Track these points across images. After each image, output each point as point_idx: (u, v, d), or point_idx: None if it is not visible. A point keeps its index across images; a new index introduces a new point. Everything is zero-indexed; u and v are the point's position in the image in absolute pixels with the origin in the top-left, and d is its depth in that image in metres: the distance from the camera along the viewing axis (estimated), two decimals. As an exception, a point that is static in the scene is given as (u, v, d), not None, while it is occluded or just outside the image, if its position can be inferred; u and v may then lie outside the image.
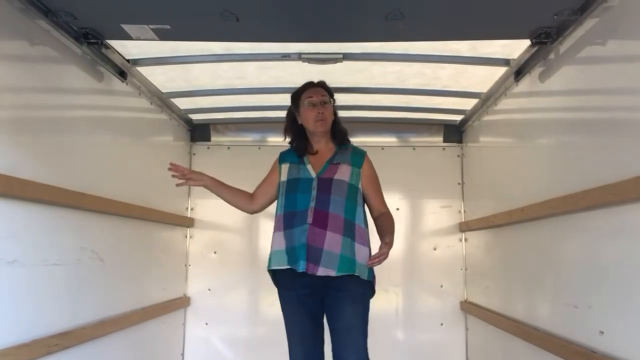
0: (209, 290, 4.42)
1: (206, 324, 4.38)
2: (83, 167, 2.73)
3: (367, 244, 2.60)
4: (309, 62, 3.11)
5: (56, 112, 2.55)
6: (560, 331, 2.50)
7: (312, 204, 2.57)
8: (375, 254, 2.48)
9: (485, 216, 3.71)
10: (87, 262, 2.73)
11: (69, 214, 2.56)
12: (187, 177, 2.75)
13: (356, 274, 2.52)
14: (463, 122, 4.34)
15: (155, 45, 2.96)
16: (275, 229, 2.69)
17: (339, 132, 2.77)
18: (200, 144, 4.57)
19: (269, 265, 2.69)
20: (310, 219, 2.55)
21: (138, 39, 2.68)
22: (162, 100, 3.81)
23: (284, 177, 2.73)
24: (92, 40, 2.68)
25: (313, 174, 2.66)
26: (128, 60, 3.13)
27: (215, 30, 2.68)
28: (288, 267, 2.59)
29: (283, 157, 2.82)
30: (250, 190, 2.90)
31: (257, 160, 4.49)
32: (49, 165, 2.40)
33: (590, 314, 2.23)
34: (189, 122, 4.44)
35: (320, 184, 2.61)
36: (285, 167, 2.75)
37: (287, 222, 2.62)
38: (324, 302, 2.60)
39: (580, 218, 2.33)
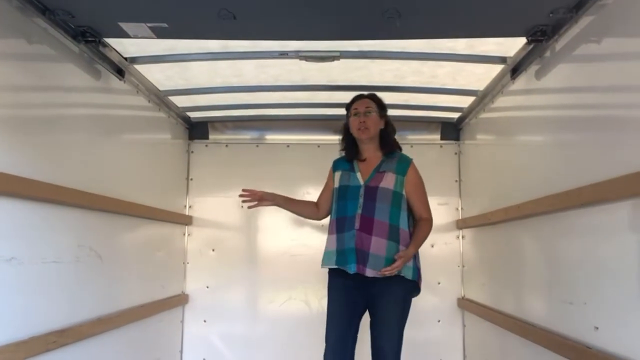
0: (207, 287, 4.43)
1: (204, 321, 4.40)
2: (81, 165, 2.73)
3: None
4: (306, 60, 3.12)
5: (54, 110, 2.55)
6: (556, 327, 2.52)
7: (359, 211, 2.81)
8: (388, 266, 2.71)
9: (482, 213, 3.72)
10: (85, 260, 2.73)
11: (67, 211, 2.57)
12: (261, 198, 3.03)
13: (401, 275, 2.76)
14: (460, 120, 4.35)
15: (153, 44, 2.97)
16: (329, 232, 2.93)
17: (386, 142, 2.98)
18: (198, 142, 4.58)
19: (322, 264, 2.92)
20: (357, 225, 2.79)
21: (136, 37, 2.69)
22: (160, 98, 3.82)
23: (336, 184, 2.98)
24: (89, 39, 2.68)
25: (361, 182, 2.89)
26: (126, 59, 3.13)
27: (212, 29, 2.68)
28: (336, 267, 2.83)
29: (336, 165, 3.07)
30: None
31: (255, 158, 4.54)
32: (46, 164, 2.41)
33: (585, 310, 2.25)
34: (187, 120, 4.45)
35: (367, 192, 2.84)
36: (337, 175, 3.00)
37: (338, 226, 2.87)
38: (368, 297, 2.81)
39: (576, 215, 2.35)
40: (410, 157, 3.00)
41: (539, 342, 2.65)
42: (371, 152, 2.97)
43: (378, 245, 2.75)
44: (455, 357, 4.29)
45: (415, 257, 2.86)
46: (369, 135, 2.92)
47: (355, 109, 2.96)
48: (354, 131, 2.95)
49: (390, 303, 2.79)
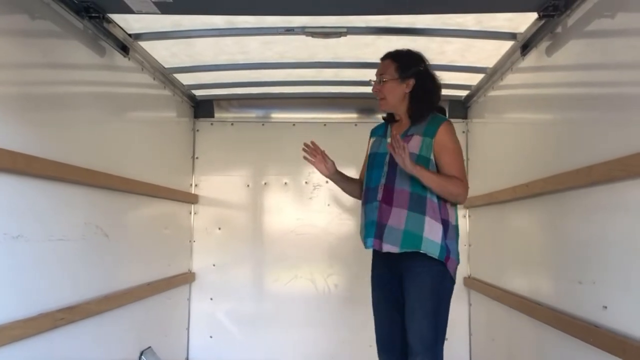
0: (214, 265, 4.45)
1: (211, 299, 4.42)
2: (86, 142, 2.72)
3: (440, 220, 2.46)
4: (312, 36, 3.07)
5: (59, 87, 2.53)
6: (564, 306, 2.51)
7: (383, 180, 2.54)
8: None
9: (489, 192, 3.70)
10: (92, 238, 2.74)
11: (73, 189, 2.56)
12: (323, 159, 2.71)
13: (422, 252, 2.43)
14: (468, 98, 4.30)
15: (158, 20, 2.93)
16: (361, 203, 2.68)
17: (414, 107, 2.58)
18: (203, 120, 4.56)
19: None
20: (380, 196, 2.52)
21: (139, 12, 2.64)
22: (165, 76, 3.79)
23: (369, 151, 2.74)
24: (93, 14, 2.64)
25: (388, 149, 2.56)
26: (130, 35, 3.09)
27: (217, 3, 2.64)
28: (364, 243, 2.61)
29: (372, 132, 2.81)
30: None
31: (260, 136, 4.52)
32: (52, 141, 2.39)
33: (594, 290, 2.23)
34: (192, 98, 4.42)
35: (391, 159, 2.50)
36: (371, 141, 2.76)
37: (365, 197, 2.63)
38: (400, 283, 2.55)
39: (585, 194, 2.32)
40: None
41: (546, 321, 2.65)
42: (402, 115, 2.64)
43: (397, 216, 2.45)
44: (461, 336, 4.30)
45: (446, 234, 2.47)
46: (386, 106, 2.63)
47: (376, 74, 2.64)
48: None
49: (415, 289, 2.46)
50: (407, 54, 2.63)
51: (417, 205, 2.45)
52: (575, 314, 2.37)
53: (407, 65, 2.59)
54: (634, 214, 1.95)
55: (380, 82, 2.60)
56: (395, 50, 2.66)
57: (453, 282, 2.55)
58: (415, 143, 2.50)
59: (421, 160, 2.47)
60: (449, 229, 2.51)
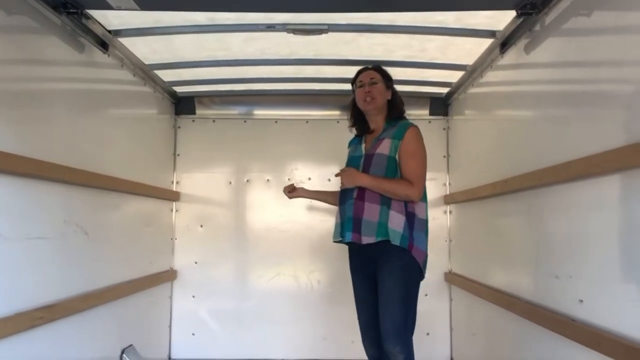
0: (196, 263, 4.43)
1: (193, 296, 4.41)
2: (65, 140, 2.69)
3: (404, 212, 2.69)
4: (294, 33, 3.07)
5: (36, 84, 2.50)
6: (542, 300, 2.55)
7: None
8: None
9: (469, 188, 3.74)
10: (72, 236, 2.71)
11: (52, 187, 2.53)
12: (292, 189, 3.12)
13: (389, 239, 2.64)
14: (449, 95, 4.34)
15: (137, 16, 2.91)
16: (339, 204, 2.92)
17: (393, 112, 2.90)
18: (185, 117, 4.53)
19: (332, 238, 2.93)
20: (355, 194, 2.75)
21: (119, 8, 2.62)
22: (145, 73, 3.75)
23: (347, 158, 3.00)
24: (71, 10, 2.62)
25: (363, 152, 2.87)
26: (110, 31, 3.06)
27: (197, 0, 2.62)
28: (339, 239, 2.83)
29: (349, 142, 3.08)
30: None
31: (242, 133, 4.52)
32: (30, 139, 2.37)
33: (570, 284, 2.27)
34: (173, 95, 4.39)
35: (366, 160, 2.81)
36: (349, 150, 3.04)
37: (341, 198, 2.88)
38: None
39: (563, 189, 2.36)
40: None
41: (524, 316, 2.68)
42: (378, 122, 2.90)
43: (371, 211, 2.68)
44: (442, 331, 4.35)
45: (411, 225, 2.68)
46: (375, 105, 2.84)
47: (360, 81, 2.89)
48: (360, 103, 2.88)
49: (387, 277, 2.66)
50: (385, 70, 2.95)
51: (386, 200, 2.69)
52: (552, 308, 2.41)
53: (388, 77, 2.93)
54: (610, 210, 1.99)
55: (372, 83, 2.85)
56: (377, 65, 2.99)
57: (422, 274, 2.76)
58: (386, 145, 2.76)
59: (391, 161, 2.73)
60: (415, 221, 2.73)
